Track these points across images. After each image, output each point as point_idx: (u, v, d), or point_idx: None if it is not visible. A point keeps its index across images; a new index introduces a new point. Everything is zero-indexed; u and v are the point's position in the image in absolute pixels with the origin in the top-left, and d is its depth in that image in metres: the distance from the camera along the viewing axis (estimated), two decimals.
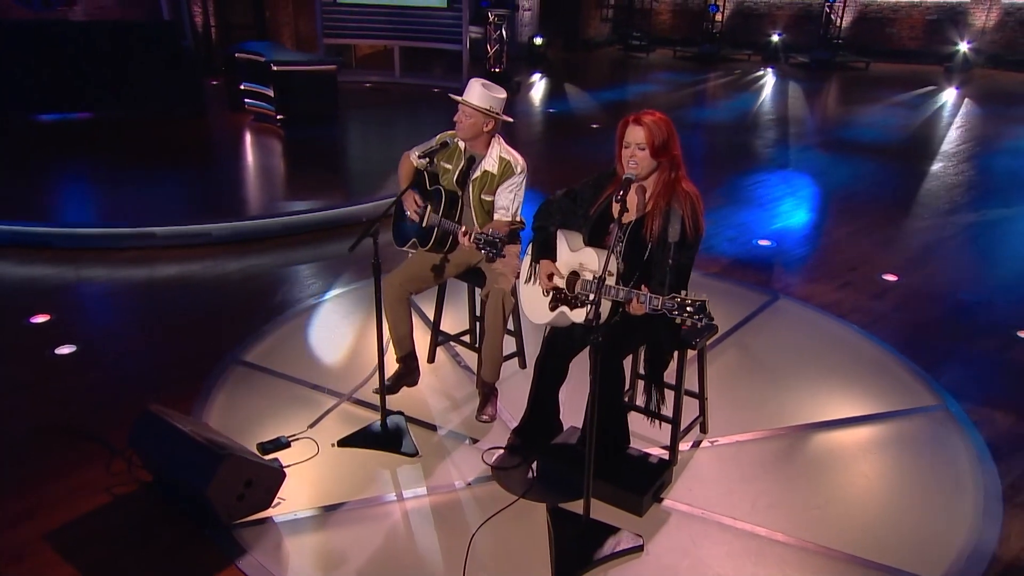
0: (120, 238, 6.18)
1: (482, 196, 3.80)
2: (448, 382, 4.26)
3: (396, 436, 3.67)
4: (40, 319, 4.91)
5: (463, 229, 3.56)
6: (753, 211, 7.37)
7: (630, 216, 3.13)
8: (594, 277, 3.02)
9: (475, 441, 3.71)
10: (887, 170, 9.13)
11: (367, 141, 10.62)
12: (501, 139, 3.82)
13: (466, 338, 4.42)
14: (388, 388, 3.86)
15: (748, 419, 3.90)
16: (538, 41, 18.28)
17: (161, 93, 10.56)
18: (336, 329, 4.85)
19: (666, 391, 3.41)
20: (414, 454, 3.59)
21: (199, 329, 4.87)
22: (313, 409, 3.94)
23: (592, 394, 2.81)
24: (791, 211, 7.48)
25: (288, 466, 3.40)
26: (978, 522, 3.20)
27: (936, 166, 9.27)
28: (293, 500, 3.26)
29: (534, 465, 3.48)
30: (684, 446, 3.63)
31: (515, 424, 3.69)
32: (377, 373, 3.66)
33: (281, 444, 3.61)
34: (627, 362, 3.43)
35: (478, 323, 4.21)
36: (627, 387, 3.64)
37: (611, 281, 2.98)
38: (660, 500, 3.30)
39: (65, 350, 4.53)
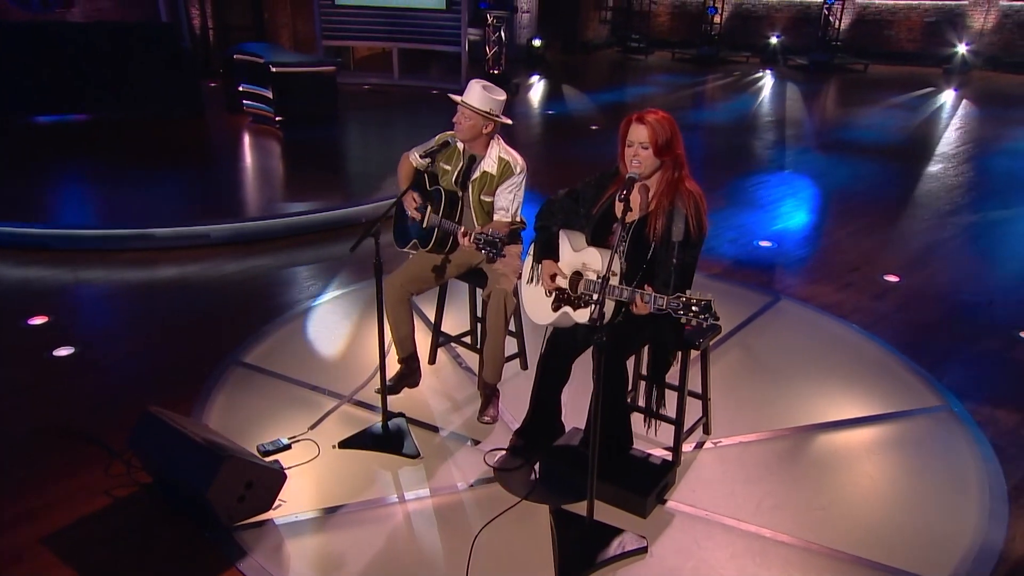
0: (119, 239, 6.15)
1: (481, 197, 3.78)
2: (449, 383, 4.23)
3: (397, 437, 3.65)
4: (38, 321, 4.88)
5: (463, 230, 3.54)
6: (754, 212, 7.35)
7: (633, 215, 3.11)
8: (598, 277, 3.00)
9: (477, 442, 3.69)
10: (887, 171, 9.12)
11: (366, 142, 10.61)
12: (500, 139, 3.80)
13: (467, 339, 4.40)
14: (389, 389, 3.84)
15: (751, 420, 3.88)
16: (537, 43, 18.29)
17: (160, 94, 10.54)
18: (336, 330, 4.83)
19: (669, 392, 3.40)
20: (415, 456, 3.56)
21: (198, 330, 4.85)
22: (313, 410, 3.92)
23: (596, 394, 2.79)
24: (791, 212, 7.47)
25: (289, 468, 3.38)
26: (983, 523, 3.19)
27: (936, 167, 9.27)
28: (294, 502, 3.24)
29: (536, 466, 3.45)
30: (687, 447, 3.61)
31: (517, 425, 3.67)
32: (379, 374, 3.64)
33: (281, 446, 3.59)
34: (629, 363, 3.41)
35: (479, 324, 4.19)
36: (629, 388, 3.62)
37: (614, 281, 2.96)
38: (664, 501, 3.29)
39: (63, 352, 4.50)
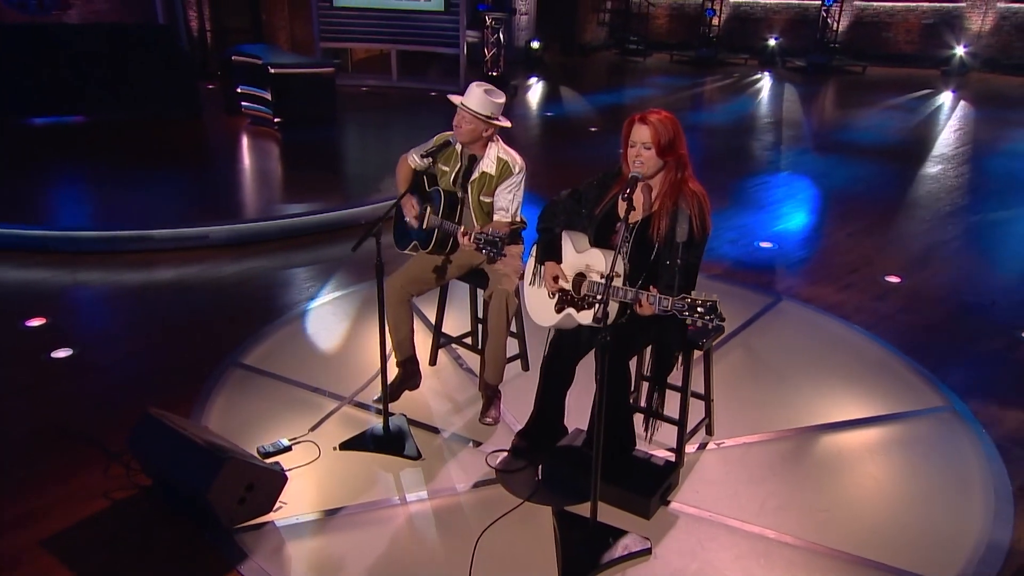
0: (117, 241, 6.13)
1: (481, 198, 3.76)
2: (450, 385, 4.21)
3: (398, 439, 3.62)
4: (36, 322, 4.86)
5: (463, 229, 3.52)
6: (754, 213, 7.34)
7: (636, 215, 3.09)
8: (602, 277, 2.98)
9: (478, 444, 3.66)
10: (886, 172, 9.12)
11: (365, 144, 10.59)
12: (499, 139, 3.79)
13: (468, 340, 4.38)
14: (391, 395, 3.82)
15: (754, 421, 3.87)
16: (535, 45, 18.29)
17: (158, 95, 10.52)
18: (335, 331, 4.80)
19: (673, 393, 3.38)
20: (417, 457, 3.54)
21: (197, 332, 4.82)
22: (313, 412, 3.89)
23: (599, 395, 2.77)
24: (792, 213, 7.46)
25: (289, 469, 3.35)
26: (988, 524, 3.17)
27: (935, 168, 9.26)
28: (295, 504, 3.22)
29: (539, 468, 3.43)
30: (690, 448, 3.59)
31: (519, 427, 3.66)
32: (380, 376, 3.62)
33: (282, 447, 3.56)
34: (632, 364, 3.39)
35: (480, 325, 4.17)
36: (632, 388, 3.60)
37: (618, 282, 2.94)
38: (667, 503, 3.27)
39: (62, 353, 4.48)
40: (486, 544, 3.01)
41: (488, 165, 3.73)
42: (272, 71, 9.69)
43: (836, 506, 3.29)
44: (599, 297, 2.74)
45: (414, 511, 3.24)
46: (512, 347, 4.00)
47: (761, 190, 8.21)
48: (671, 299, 2.75)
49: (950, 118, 12.93)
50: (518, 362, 4.22)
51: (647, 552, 2.97)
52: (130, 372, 4.36)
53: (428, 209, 3.77)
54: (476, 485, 3.38)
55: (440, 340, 4.34)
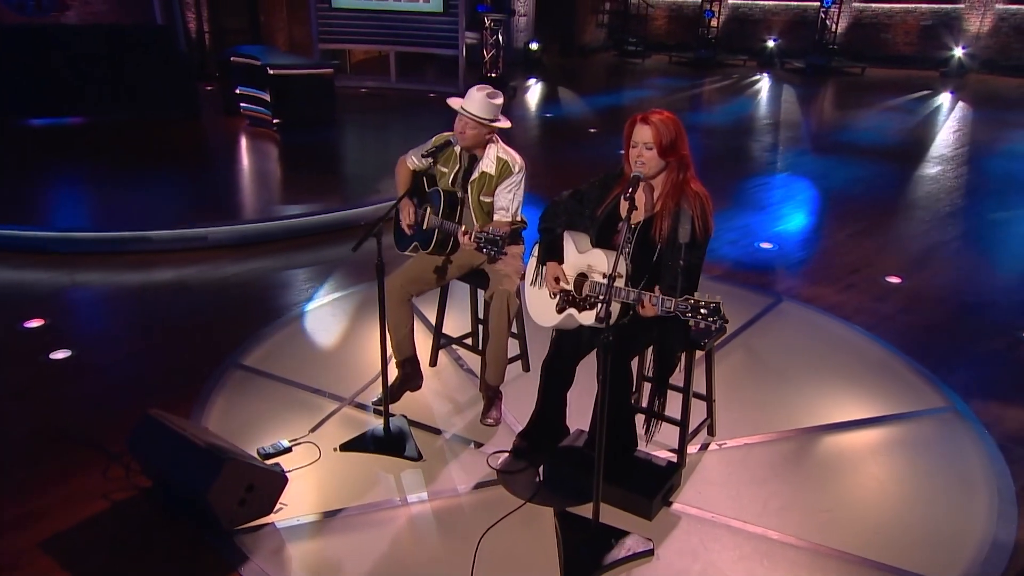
0: (116, 242, 6.11)
1: (481, 198, 3.75)
2: (451, 386, 4.20)
3: (399, 440, 3.61)
4: (34, 323, 4.84)
5: (463, 228, 3.51)
6: (754, 214, 7.34)
7: (638, 216, 3.08)
8: (604, 277, 2.97)
9: (480, 445, 3.65)
10: (886, 173, 9.11)
11: (364, 145, 10.57)
12: (498, 139, 3.78)
13: (468, 341, 4.36)
14: (392, 396, 3.81)
15: (755, 421, 3.85)
16: (534, 46, 18.29)
17: (156, 96, 10.51)
18: (335, 332, 4.79)
19: (674, 393, 3.36)
20: (418, 458, 3.52)
21: (196, 333, 4.80)
22: (313, 413, 3.88)
23: (602, 395, 2.75)
24: (791, 214, 7.46)
25: (290, 471, 3.33)
26: (992, 524, 3.16)
27: (934, 169, 9.26)
28: (295, 505, 3.20)
29: (540, 469, 3.42)
30: (692, 449, 3.58)
31: (520, 428, 3.64)
32: (380, 378, 3.60)
33: (282, 448, 3.55)
34: (633, 364, 3.37)
35: (481, 326, 4.16)
36: (633, 389, 3.59)
37: (620, 283, 2.93)
38: (669, 503, 3.25)
39: (60, 355, 4.46)
40: (487, 546, 2.99)
41: (488, 165, 3.72)
42: (271, 72, 9.67)
43: (839, 507, 3.28)
44: (601, 297, 2.72)
45: (415, 512, 3.22)
46: (513, 348, 3.99)
47: (761, 191, 8.21)
48: (674, 300, 2.74)
49: (949, 119, 12.94)
50: (518, 363, 4.20)
51: (649, 553, 2.96)
52: (129, 373, 4.34)
53: (428, 210, 3.76)
54: (477, 486, 3.37)
55: (440, 341, 4.33)
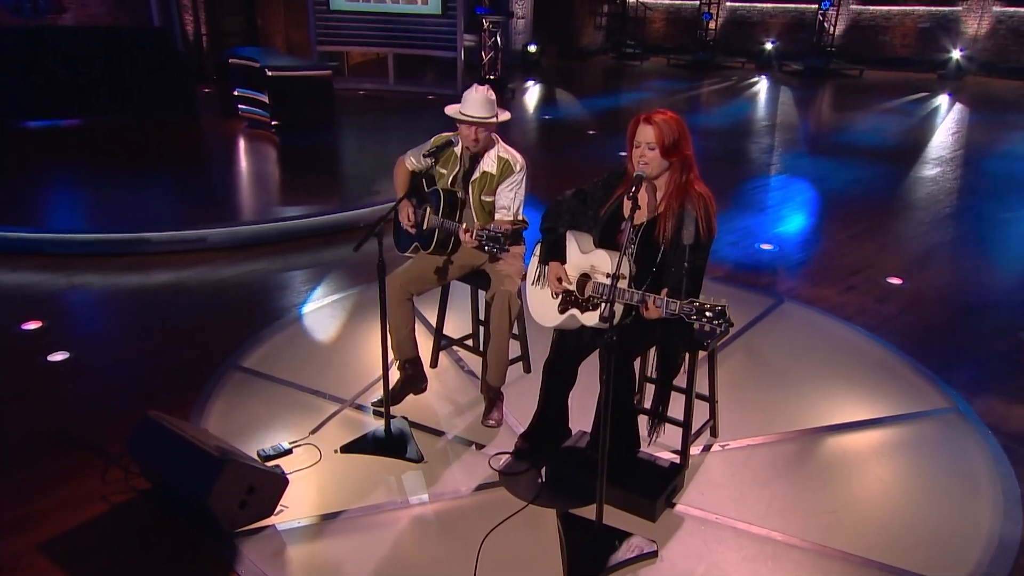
0: (114, 244, 6.08)
1: (482, 197, 3.74)
2: (451, 387, 4.17)
3: (400, 442, 3.58)
4: (32, 326, 4.81)
5: (464, 226, 3.49)
6: (754, 215, 7.33)
7: (642, 216, 3.06)
8: (608, 277, 2.95)
9: (481, 446, 3.63)
10: (885, 175, 9.10)
11: (362, 147, 10.55)
12: (499, 139, 3.77)
13: (469, 342, 4.34)
14: (393, 398, 3.78)
15: (758, 422, 3.83)
16: (532, 49, 18.29)
17: (154, 98, 10.50)
18: (335, 334, 4.77)
19: (677, 394, 3.34)
20: (419, 460, 3.50)
21: (195, 335, 4.78)
22: (313, 415, 3.85)
23: (605, 395, 2.73)
24: (791, 215, 7.45)
25: (290, 473, 3.31)
26: (997, 525, 3.14)
27: (934, 171, 9.26)
28: (296, 507, 3.18)
29: (543, 470, 3.40)
30: (694, 450, 3.56)
31: (521, 429, 3.62)
32: (381, 380, 3.58)
33: (282, 450, 3.52)
34: (635, 365, 3.36)
35: (481, 327, 4.14)
36: (635, 390, 3.57)
37: (623, 284, 2.91)
38: (672, 505, 3.23)
39: (58, 357, 4.43)
40: (490, 548, 2.97)
41: (489, 164, 3.71)
42: (269, 74, 9.66)
43: (843, 508, 3.26)
44: (604, 298, 2.70)
45: (416, 514, 3.20)
46: (513, 349, 3.96)
47: (760, 192, 8.20)
48: (679, 303, 2.72)
49: (947, 121, 12.95)
50: (519, 364, 4.18)
51: (653, 555, 2.94)
52: (128, 375, 4.31)
53: (428, 210, 3.74)
54: (479, 488, 3.35)
55: (441, 342, 4.30)
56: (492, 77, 13.85)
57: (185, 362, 4.40)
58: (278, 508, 3.13)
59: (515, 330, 3.89)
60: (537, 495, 3.26)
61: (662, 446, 3.51)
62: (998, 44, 17.82)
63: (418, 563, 2.94)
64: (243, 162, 9.32)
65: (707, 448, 3.63)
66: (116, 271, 5.77)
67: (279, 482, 3.14)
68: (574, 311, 3.13)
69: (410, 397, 3.94)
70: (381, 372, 3.55)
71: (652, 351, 3.43)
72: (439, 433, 3.74)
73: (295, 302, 5.22)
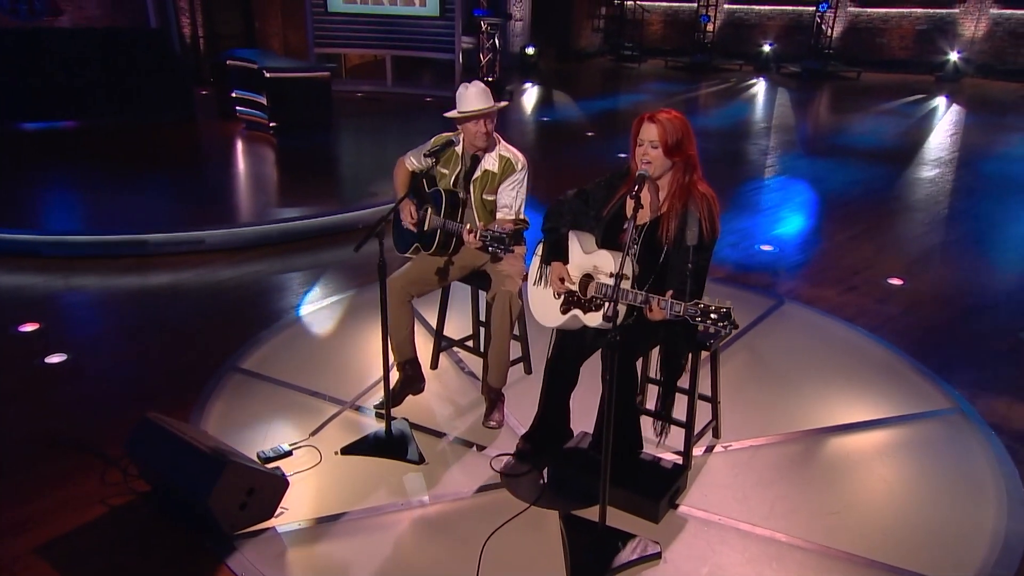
0: (111, 246, 6.06)
1: (483, 196, 3.73)
2: (452, 388, 4.15)
3: (401, 443, 3.56)
4: (29, 327, 4.78)
5: (467, 227, 3.47)
6: (754, 217, 7.32)
7: (645, 216, 3.05)
8: (611, 276, 2.93)
9: (482, 448, 3.60)
10: (884, 176, 9.10)
11: (360, 149, 10.54)
12: (500, 138, 3.76)
13: (470, 343, 4.32)
14: (393, 399, 3.76)
15: (760, 423, 3.82)
16: (530, 51, 18.30)
17: (151, 100, 10.49)
18: (334, 335, 4.75)
19: (679, 395, 3.32)
20: (420, 462, 3.48)
21: (193, 337, 4.76)
22: (313, 416, 3.83)
23: (608, 395, 2.71)
24: (791, 216, 7.44)
25: (291, 474, 3.28)
26: (1002, 525, 3.12)
27: (932, 172, 9.26)
28: (296, 509, 3.15)
29: (545, 471, 3.38)
30: (697, 451, 3.54)
31: (523, 430, 3.60)
32: (382, 381, 3.56)
33: (282, 452, 3.50)
34: (637, 366, 3.34)
35: (482, 328, 4.12)
36: (638, 391, 3.55)
37: (626, 284, 2.89)
38: (675, 506, 3.21)
39: (56, 359, 4.40)
40: (492, 550, 2.94)
41: (491, 163, 3.70)
42: (268, 75, 9.63)
43: (846, 509, 3.24)
44: (607, 298, 2.68)
45: (417, 517, 3.18)
46: (514, 350, 3.94)
47: (759, 194, 8.19)
48: (684, 305, 2.71)
49: (945, 123, 12.96)
50: (519, 365, 4.15)
51: (657, 556, 2.92)
52: (126, 377, 4.29)
53: (429, 210, 3.72)
54: (480, 490, 3.32)
55: (442, 344, 4.28)
56: (490, 79, 13.84)
57: (184, 364, 4.37)
58: (278, 510, 3.11)
59: (516, 331, 3.87)
60: (539, 496, 3.24)
61: (665, 447, 3.49)
62: (995, 46, 17.85)
63: (419, 565, 2.92)
64: (241, 164, 9.30)
65: (710, 449, 3.61)
66: (114, 273, 5.74)
67: (279, 484, 3.12)
68: (577, 311, 3.11)
69: (411, 398, 3.92)
70: (382, 373, 3.53)
71: (654, 351, 3.41)
72: (440, 435, 3.72)
73: (294, 303, 5.20)
